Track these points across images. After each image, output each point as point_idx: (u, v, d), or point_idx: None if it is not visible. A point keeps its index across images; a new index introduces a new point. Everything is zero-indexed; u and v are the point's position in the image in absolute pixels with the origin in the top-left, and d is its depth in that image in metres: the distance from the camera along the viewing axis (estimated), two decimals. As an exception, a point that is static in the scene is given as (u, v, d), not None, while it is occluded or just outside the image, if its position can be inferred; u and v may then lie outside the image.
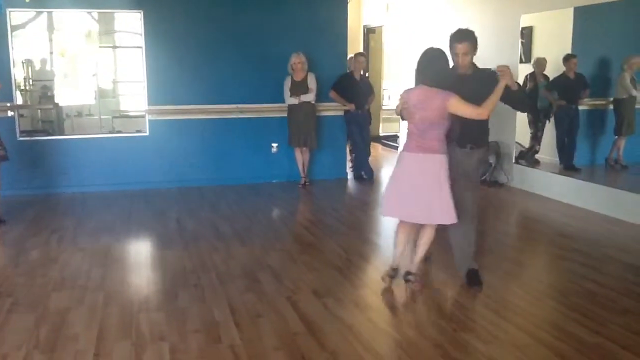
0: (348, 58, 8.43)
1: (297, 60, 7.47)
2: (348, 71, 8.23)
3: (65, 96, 9.05)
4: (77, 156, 7.45)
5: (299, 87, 7.55)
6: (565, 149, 7.69)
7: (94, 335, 3.47)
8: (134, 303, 3.98)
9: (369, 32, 12.50)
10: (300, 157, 7.83)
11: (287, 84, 7.58)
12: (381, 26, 12.17)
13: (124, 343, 3.37)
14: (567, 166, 7.49)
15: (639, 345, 3.32)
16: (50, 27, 8.94)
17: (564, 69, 7.39)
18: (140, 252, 5.51)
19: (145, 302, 4.01)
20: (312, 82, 7.59)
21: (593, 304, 3.91)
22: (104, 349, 3.30)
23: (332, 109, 8.14)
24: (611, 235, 5.63)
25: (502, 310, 3.83)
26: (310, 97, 7.60)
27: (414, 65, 4.15)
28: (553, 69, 7.60)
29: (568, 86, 7.44)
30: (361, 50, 11.63)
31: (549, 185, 7.18)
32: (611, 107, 7.40)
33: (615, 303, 3.93)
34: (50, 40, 8.95)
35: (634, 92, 7.13)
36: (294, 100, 7.56)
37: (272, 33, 7.79)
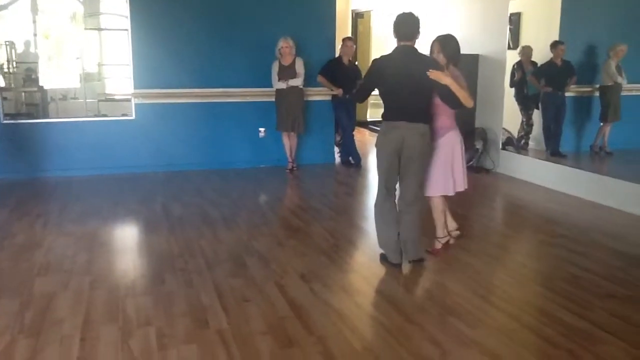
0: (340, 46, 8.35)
1: (285, 45, 7.43)
2: (336, 56, 8.19)
3: (50, 79, 8.95)
4: (62, 140, 7.37)
5: (287, 72, 7.50)
6: (552, 136, 7.74)
7: (80, 319, 3.45)
8: (120, 287, 3.96)
9: (357, 16, 12.44)
10: (288, 142, 7.80)
11: (275, 68, 7.53)
12: (370, 11, 12.12)
13: (110, 327, 3.36)
14: (553, 152, 7.54)
15: (623, 329, 3.36)
16: (34, 9, 8.81)
17: (551, 55, 7.41)
18: (126, 236, 5.48)
19: (132, 286, 3.99)
20: (300, 66, 7.55)
21: (578, 288, 3.95)
22: (90, 334, 3.29)
23: (320, 94, 8.11)
24: (596, 220, 5.68)
25: (488, 295, 3.86)
26: (298, 81, 7.56)
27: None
28: (541, 56, 7.62)
29: (555, 73, 7.46)
30: (349, 34, 11.58)
31: (535, 172, 7.22)
32: (597, 94, 7.45)
33: (600, 288, 3.97)
34: (34, 22, 8.83)
35: (620, 80, 7.18)
36: (282, 85, 7.52)
37: (260, 17, 7.73)
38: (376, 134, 8.98)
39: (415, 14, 4.23)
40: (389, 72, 4.20)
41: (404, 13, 4.24)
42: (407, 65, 4.16)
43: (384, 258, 4.45)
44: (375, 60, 4.39)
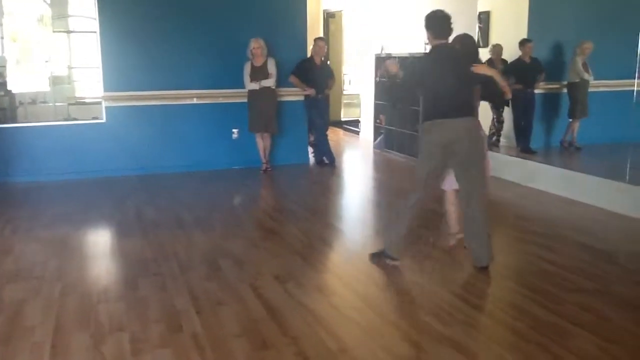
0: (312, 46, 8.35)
1: (257, 46, 7.40)
2: (308, 56, 8.19)
3: (18, 83, 8.79)
4: (32, 144, 7.25)
5: (259, 73, 7.48)
6: (522, 132, 7.83)
7: (51, 327, 3.40)
8: (92, 294, 3.91)
9: (328, 16, 12.46)
10: (262, 142, 7.78)
11: (247, 69, 7.50)
12: (341, 10, 12.14)
13: (82, 334, 3.32)
14: (524, 149, 7.64)
15: (591, 322, 3.43)
16: (1, 11, 8.65)
17: (520, 53, 7.51)
18: (98, 241, 5.42)
19: (105, 292, 3.95)
20: (272, 67, 7.53)
21: (548, 283, 4.01)
22: (61, 341, 3.24)
23: (292, 94, 8.10)
24: (566, 215, 5.77)
25: (461, 292, 3.90)
26: (270, 82, 7.55)
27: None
28: (510, 54, 7.72)
29: (524, 70, 7.56)
30: (321, 34, 11.59)
31: (506, 168, 7.31)
32: (565, 90, 7.57)
33: (569, 282, 4.04)
34: (1, 24, 8.67)
35: (586, 76, 7.31)
36: (254, 86, 7.49)
37: (231, 18, 7.70)
38: (351, 134, 9.15)
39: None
40: (436, 71, 4.17)
41: (440, 11, 4.21)
42: (447, 61, 4.16)
43: (378, 256, 4.37)
44: (422, 59, 4.49)
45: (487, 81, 4.13)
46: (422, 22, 4.25)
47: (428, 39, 4.26)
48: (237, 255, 4.61)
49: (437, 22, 4.19)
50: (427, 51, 4.37)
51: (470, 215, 4.20)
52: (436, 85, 4.15)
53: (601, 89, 7.44)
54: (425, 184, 4.20)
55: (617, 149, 6.62)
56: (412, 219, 4.28)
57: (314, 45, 8.12)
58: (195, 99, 7.77)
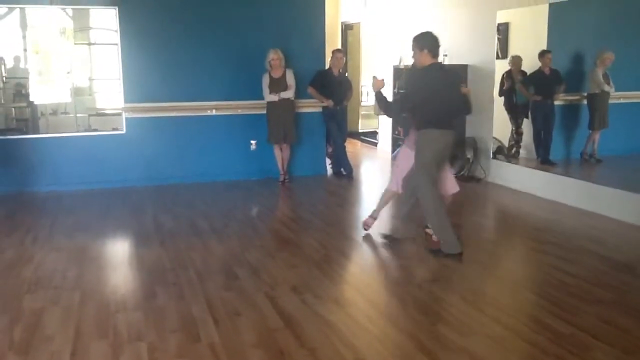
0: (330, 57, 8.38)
1: (275, 57, 7.44)
2: (326, 68, 8.23)
3: (40, 94, 8.92)
4: (53, 155, 7.36)
5: (278, 84, 7.52)
6: (542, 144, 7.77)
7: (70, 335, 3.43)
8: (111, 302, 3.95)
9: (346, 28, 12.51)
10: (280, 153, 7.81)
11: (266, 80, 7.54)
12: (359, 22, 12.19)
13: (101, 343, 3.35)
14: (544, 161, 7.58)
15: (610, 334, 3.38)
16: (24, 24, 8.81)
17: (539, 64, 7.47)
18: (117, 250, 5.47)
19: (123, 301, 3.98)
20: (290, 78, 7.57)
21: (566, 294, 3.97)
22: (81, 350, 3.27)
23: (310, 106, 8.14)
24: (585, 228, 5.71)
25: (478, 303, 3.88)
26: (290, 94, 7.58)
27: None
28: (529, 65, 7.68)
29: (543, 81, 7.52)
30: (339, 46, 11.64)
31: (526, 180, 7.27)
32: (585, 102, 7.50)
33: (587, 294, 4.00)
34: (24, 37, 8.82)
35: (606, 87, 7.23)
36: (273, 97, 7.53)
37: (249, 29, 7.77)
38: (369, 145, 9.34)
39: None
40: (438, 87, 4.73)
41: (431, 32, 4.76)
42: (447, 80, 4.87)
43: (441, 252, 4.74)
44: (423, 76, 4.82)
45: (466, 98, 5.01)
46: (414, 42, 4.74)
47: (420, 57, 4.73)
48: (254, 265, 4.63)
49: (434, 43, 4.70)
50: (426, 68, 4.75)
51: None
52: (441, 100, 4.69)
53: (622, 100, 7.36)
54: (435, 179, 4.79)
55: (639, 160, 6.54)
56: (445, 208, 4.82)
57: (332, 57, 8.16)
58: (213, 111, 7.83)
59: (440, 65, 4.83)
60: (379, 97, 4.93)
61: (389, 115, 5.92)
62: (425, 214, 4.88)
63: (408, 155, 4.99)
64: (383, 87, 4.94)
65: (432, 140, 4.71)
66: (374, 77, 5.02)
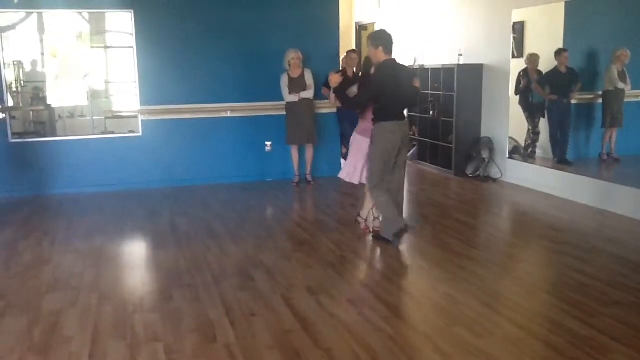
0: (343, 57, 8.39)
1: (295, 56, 7.44)
2: (340, 68, 8.22)
3: (57, 97, 9.01)
4: (70, 157, 7.44)
5: (297, 84, 7.52)
6: (558, 143, 7.71)
7: (88, 336, 3.47)
8: (128, 304, 3.98)
9: (360, 28, 12.50)
10: (297, 155, 7.80)
11: (285, 81, 7.54)
12: (373, 23, 12.16)
13: (118, 344, 3.38)
14: (560, 160, 7.52)
15: (628, 336, 3.35)
16: (41, 28, 8.90)
17: (555, 63, 7.41)
18: (133, 252, 5.51)
19: (140, 302, 4.02)
20: (309, 78, 7.56)
21: (584, 296, 3.94)
22: (99, 350, 3.31)
23: (327, 106, 8.14)
24: (602, 227, 5.66)
25: (495, 304, 3.86)
26: (309, 93, 7.58)
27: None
28: (545, 64, 7.63)
29: (560, 80, 7.46)
30: (353, 47, 11.63)
31: (542, 180, 7.21)
32: (601, 100, 7.43)
33: (605, 295, 3.96)
34: (41, 41, 8.91)
35: (620, 85, 7.15)
36: (293, 98, 7.52)
37: (264, 30, 7.79)
38: None
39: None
40: (394, 81, 5.00)
41: (385, 30, 5.14)
42: (402, 74, 5.15)
43: (385, 236, 5.09)
44: (381, 71, 5.03)
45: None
46: (370, 40, 5.02)
47: (375, 54, 5.01)
48: (269, 267, 4.64)
49: (389, 40, 5.01)
50: (380, 64, 5.02)
51: (398, 201, 5.18)
52: (396, 93, 5.01)
53: (640, 99, 7.28)
54: (385, 172, 5.08)
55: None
56: (392, 204, 5.06)
57: (346, 57, 8.15)
58: (229, 112, 7.87)
59: (394, 61, 5.10)
60: (337, 91, 5.34)
61: (347, 108, 6.28)
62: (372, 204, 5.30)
63: (360, 145, 5.32)
64: (340, 82, 5.32)
65: (389, 131, 5.00)
66: (331, 74, 5.41)
